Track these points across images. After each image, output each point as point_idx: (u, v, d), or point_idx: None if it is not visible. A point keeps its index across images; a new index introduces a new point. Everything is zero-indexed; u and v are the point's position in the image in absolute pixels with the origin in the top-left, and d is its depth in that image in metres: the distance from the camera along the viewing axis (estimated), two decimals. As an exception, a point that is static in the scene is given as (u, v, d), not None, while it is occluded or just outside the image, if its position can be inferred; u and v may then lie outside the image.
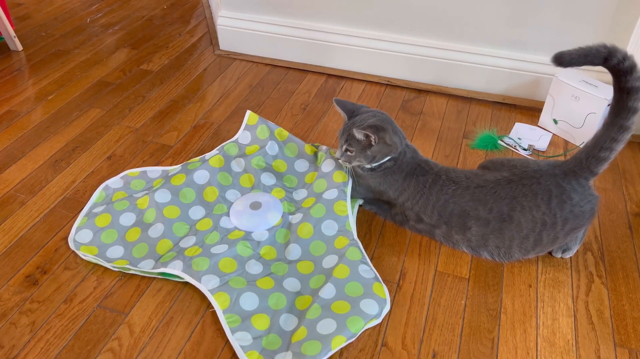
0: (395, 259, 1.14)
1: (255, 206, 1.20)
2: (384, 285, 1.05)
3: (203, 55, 1.94)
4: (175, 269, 1.05)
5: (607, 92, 1.39)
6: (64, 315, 1.02)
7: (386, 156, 1.13)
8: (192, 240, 1.13)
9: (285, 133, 1.38)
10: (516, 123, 1.55)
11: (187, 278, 1.04)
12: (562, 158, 1.44)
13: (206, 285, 1.03)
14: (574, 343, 0.99)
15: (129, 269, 1.08)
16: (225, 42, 1.94)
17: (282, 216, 1.20)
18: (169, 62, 1.89)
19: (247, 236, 1.15)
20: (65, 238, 1.18)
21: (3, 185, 1.33)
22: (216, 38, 2.01)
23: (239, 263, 1.08)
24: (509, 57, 1.63)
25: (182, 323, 1.01)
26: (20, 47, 1.95)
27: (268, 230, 1.17)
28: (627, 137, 1.00)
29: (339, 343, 0.93)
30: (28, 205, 1.27)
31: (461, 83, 1.71)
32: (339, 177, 1.21)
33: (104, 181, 1.34)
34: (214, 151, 1.33)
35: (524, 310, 1.04)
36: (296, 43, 1.83)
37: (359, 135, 1.11)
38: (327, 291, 1.02)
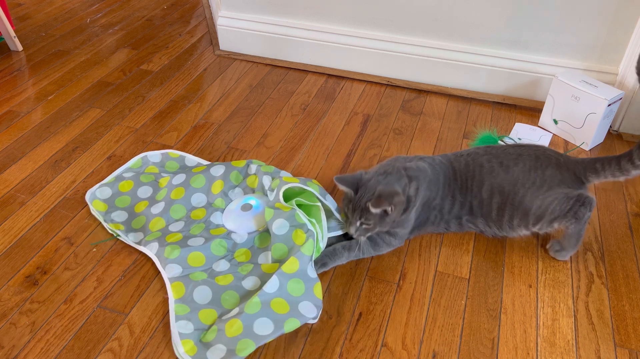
0: (396, 259, 1.14)
1: (246, 208, 1.20)
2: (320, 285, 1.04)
3: (203, 55, 1.94)
4: (150, 251, 1.10)
5: (607, 92, 1.39)
6: (64, 315, 1.02)
7: (405, 210, 1.09)
8: (180, 225, 1.17)
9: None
10: (516, 124, 1.55)
11: (156, 262, 1.09)
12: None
13: (168, 273, 1.06)
14: (574, 343, 0.99)
15: (119, 235, 1.15)
16: (226, 42, 1.94)
17: (265, 223, 1.17)
18: (169, 62, 1.89)
19: (226, 235, 1.15)
20: (66, 238, 1.18)
21: (3, 185, 1.33)
22: (216, 38, 2.01)
23: (208, 260, 1.09)
24: (509, 57, 1.63)
25: (182, 324, 1.01)
26: (20, 47, 1.95)
27: (249, 233, 1.16)
28: (621, 178, 1.08)
29: (268, 341, 0.95)
30: (28, 205, 1.27)
31: (461, 83, 1.71)
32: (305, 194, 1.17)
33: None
34: (249, 160, 1.33)
35: (524, 310, 1.04)
36: (296, 43, 1.83)
37: (375, 210, 1.05)
38: (271, 285, 1.00)
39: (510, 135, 1.51)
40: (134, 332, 0.99)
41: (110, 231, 1.17)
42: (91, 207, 1.22)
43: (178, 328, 0.96)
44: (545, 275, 1.12)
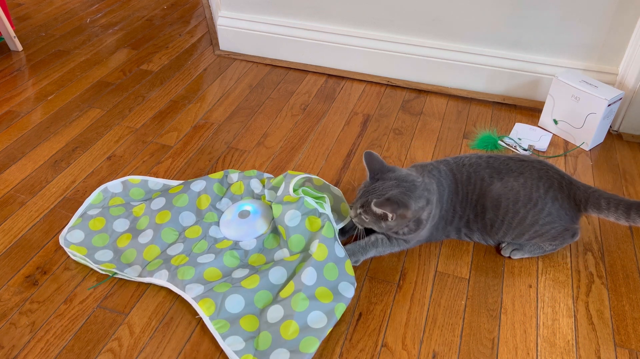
0: (396, 259, 1.14)
1: (244, 214, 1.19)
2: (350, 259, 1.09)
3: (203, 55, 1.94)
4: (160, 279, 1.05)
5: (607, 92, 1.39)
6: (64, 315, 1.02)
7: (406, 226, 1.06)
8: (179, 247, 1.12)
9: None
10: (516, 124, 1.55)
11: (172, 288, 1.04)
12: (562, 158, 1.44)
13: (190, 293, 1.02)
14: (574, 344, 0.99)
15: (116, 273, 1.08)
16: (225, 42, 1.94)
17: (270, 223, 1.18)
18: (169, 63, 1.89)
19: (235, 245, 1.14)
20: (65, 239, 1.18)
21: (3, 186, 1.33)
22: (216, 38, 2.01)
23: (224, 273, 1.07)
24: (509, 57, 1.63)
25: (182, 324, 1.01)
26: (20, 47, 1.95)
27: (256, 238, 1.16)
28: (623, 223, 1.08)
29: (328, 332, 0.97)
30: (28, 205, 1.27)
31: (461, 83, 1.71)
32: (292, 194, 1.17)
33: (104, 181, 1.34)
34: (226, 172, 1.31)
35: (524, 311, 1.04)
36: (296, 43, 1.83)
37: (376, 210, 1.02)
38: (309, 277, 1.02)
39: (510, 135, 1.51)
40: (134, 332, 0.99)
41: (103, 272, 1.09)
42: (70, 253, 1.12)
43: (230, 346, 0.94)
44: (545, 275, 1.12)
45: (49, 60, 1.89)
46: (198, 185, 1.23)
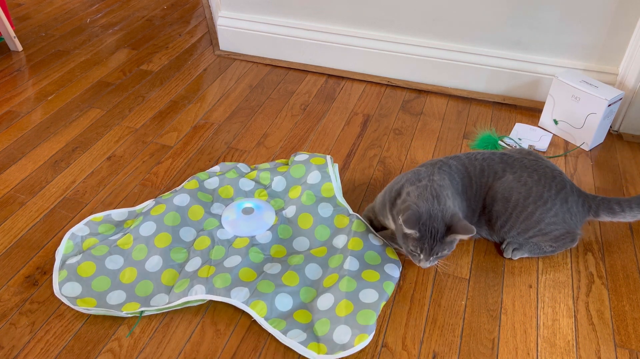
0: (396, 259, 1.14)
1: (248, 211, 1.19)
2: (391, 246, 1.13)
3: (203, 55, 1.94)
4: (198, 294, 1.01)
5: (607, 92, 1.39)
6: (64, 316, 1.02)
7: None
8: (197, 261, 1.09)
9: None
10: (516, 124, 1.55)
11: (216, 298, 1.01)
12: (562, 158, 1.44)
13: (238, 298, 1.01)
14: (574, 344, 0.99)
15: (144, 311, 1.01)
16: (225, 43, 1.94)
17: (276, 214, 1.20)
18: (169, 63, 1.89)
19: (253, 241, 1.14)
20: (65, 239, 1.18)
21: (3, 186, 1.33)
22: (216, 38, 2.01)
23: (256, 270, 1.08)
24: (509, 57, 1.62)
25: (182, 323, 1.01)
26: (20, 48, 1.95)
27: (269, 230, 1.17)
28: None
29: (381, 307, 1.01)
30: (28, 205, 1.27)
31: (461, 83, 1.71)
32: (316, 160, 1.27)
33: (104, 182, 1.34)
34: (188, 179, 1.28)
35: (524, 311, 1.04)
36: (296, 43, 1.83)
37: (452, 238, 1.00)
38: (352, 264, 1.06)
39: (510, 136, 1.51)
40: (134, 332, 0.99)
41: (131, 315, 1.02)
42: (82, 310, 1.01)
43: (294, 339, 0.96)
44: (546, 275, 1.12)
45: (49, 60, 1.89)
46: (180, 199, 1.19)
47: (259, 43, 1.88)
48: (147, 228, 1.14)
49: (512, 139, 1.48)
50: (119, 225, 1.19)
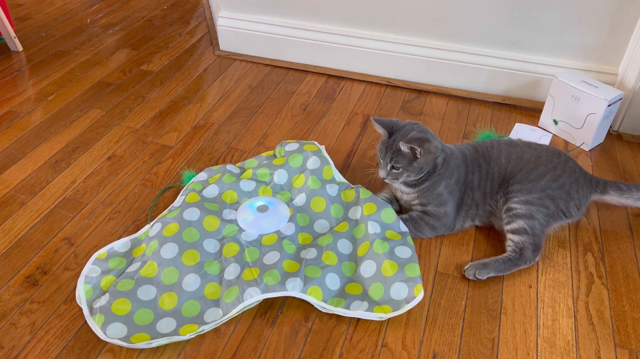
0: (396, 259, 1.14)
1: (263, 209, 1.20)
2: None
3: (203, 55, 1.94)
4: (254, 296, 1.01)
5: (607, 93, 1.39)
6: (64, 316, 1.02)
7: (431, 164, 1.14)
8: (235, 267, 1.08)
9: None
10: (516, 124, 1.55)
11: (273, 295, 1.02)
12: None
13: (295, 289, 1.03)
14: (574, 344, 0.99)
15: (204, 330, 0.99)
16: (226, 43, 1.94)
17: (288, 206, 1.23)
18: (169, 63, 1.89)
19: (280, 234, 1.16)
20: (66, 239, 1.18)
21: (3, 186, 1.33)
22: (216, 38, 2.01)
23: (296, 260, 1.10)
24: (509, 58, 1.63)
25: (182, 324, 1.01)
26: (20, 48, 1.95)
27: (289, 221, 1.19)
28: None
29: (417, 259, 1.10)
30: (28, 205, 1.27)
31: (461, 83, 1.71)
32: (309, 147, 1.32)
33: (104, 182, 1.34)
34: (183, 193, 1.26)
35: (524, 311, 1.04)
36: (296, 43, 1.83)
37: (404, 148, 1.11)
38: (374, 227, 1.13)
39: (510, 136, 1.51)
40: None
41: (195, 335, 0.98)
42: (143, 345, 0.96)
43: (359, 309, 1.02)
44: (545, 275, 1.12)
45: (49, 61, 1.89)
46: (191, 213, 1.16)
47: (259, 43, 1.88)
48: (169, 250, 1.09)
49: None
50: (127, 256, 1.13)
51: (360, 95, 1.71)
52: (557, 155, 1.17)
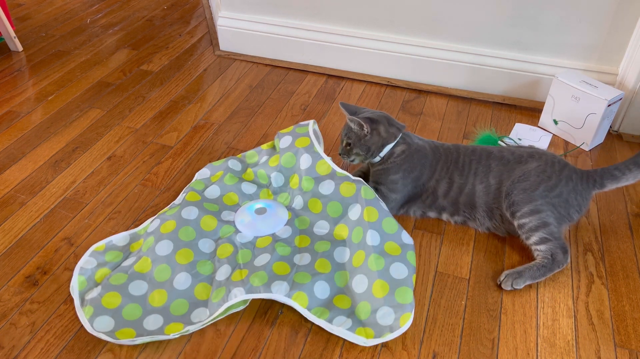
0: (396, 259, 1.14)
1: (261, 211, 1.19)
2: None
3: (203, 55, 1.94)
4: (238, 296, 0.99)
5: (607, 93, 1.39)
6: (64, 316, 1.02)
7: (383, 147, 1.20)
8: (226, 268, 1.07)
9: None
10: (516, 124, 1.55)
11: (257, 296, 1.00)
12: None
13: (279, 292, 1.00)
14: (574, 344, 0.99)
15: (189, 330, 0.98)
16: (226, 43, 1.94)
17: (288, 209, 1.22)
18: (169, 63, 1.89)
19: (275, 237, 1.14)
20: (66, 239, 1.18)
21: (3, 186, 1.33)
22: (216, 38, 2.02)
23: (288, 262, 1.08)
24: (509, 57, 1.63)
25: (182, 324, 1.01)
26: (20, 48, 1.95)
27: (287, 225, 1.18)
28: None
29: (413, 280, 1.04)
30: (28, 205, 1.27)
31: (461, 83, 1.71)
32: (301, 141, 1.28)
33: (104, 182, 1.34)
34: (184, 191, 1.26)
35: (524, 311, 1.04)
36: (296, 43, 1.83)
37: (352, 124, 1.20)
38: (373, 238, 1.08)
39: (510, 136, 1.51)
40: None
41: (175, 336, 0.97)
42: (126, 342, 0.96)
43: (341, 326, 0.98)
44: (545, 275, 1.12)
45: (49, 61, 1.89)
46: (188, 212, 1.16)
47: (258, 43, 1.88)
48: (164, 247, 1.09)
49: (512, 139, 1.48)
50: (124, 250, 1.13)
51: (360, 95, 1.71)
52: (551, 165, 1.14)
